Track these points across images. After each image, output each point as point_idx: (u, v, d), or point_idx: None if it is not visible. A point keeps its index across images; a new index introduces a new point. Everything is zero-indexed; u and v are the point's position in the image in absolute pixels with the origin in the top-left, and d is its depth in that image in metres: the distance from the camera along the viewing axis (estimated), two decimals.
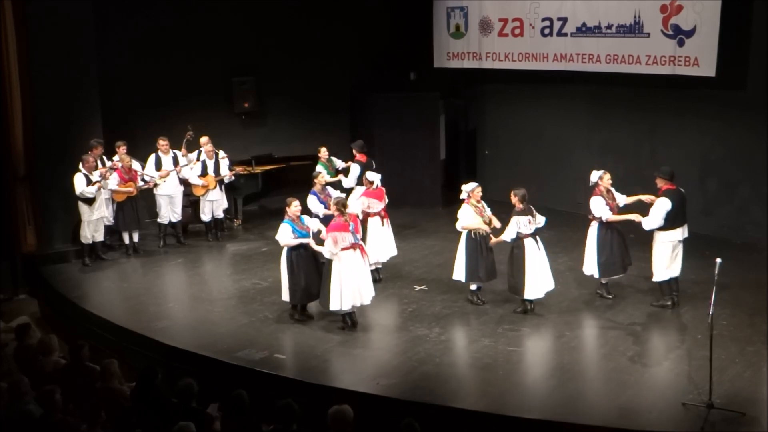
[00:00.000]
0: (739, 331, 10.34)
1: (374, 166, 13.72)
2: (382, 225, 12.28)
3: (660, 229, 10.74)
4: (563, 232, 13.74)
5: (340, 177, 13.97)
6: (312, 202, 12.06)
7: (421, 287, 12.17)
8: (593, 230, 11.26)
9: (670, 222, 10.67)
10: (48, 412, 7.13)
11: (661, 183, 10.83)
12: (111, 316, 11.43)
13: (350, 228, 10.28)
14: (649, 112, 15.18)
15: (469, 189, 11.10)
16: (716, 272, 8.67)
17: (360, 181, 13.29)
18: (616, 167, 14.97)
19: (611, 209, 11.08)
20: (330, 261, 10.33)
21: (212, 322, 11.19)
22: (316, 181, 12.33)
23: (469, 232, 11.04)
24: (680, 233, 10.85)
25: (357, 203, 12.11)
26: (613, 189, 11.25)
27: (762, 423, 8.28)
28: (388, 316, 11.23)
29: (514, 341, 10.32)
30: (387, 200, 12.40)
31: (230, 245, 14.75)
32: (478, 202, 11.09)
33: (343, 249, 10.23)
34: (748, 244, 13.48)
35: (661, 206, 10.64)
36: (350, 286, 10.32)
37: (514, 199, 10.69)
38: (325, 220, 11.57)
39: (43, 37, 13.35)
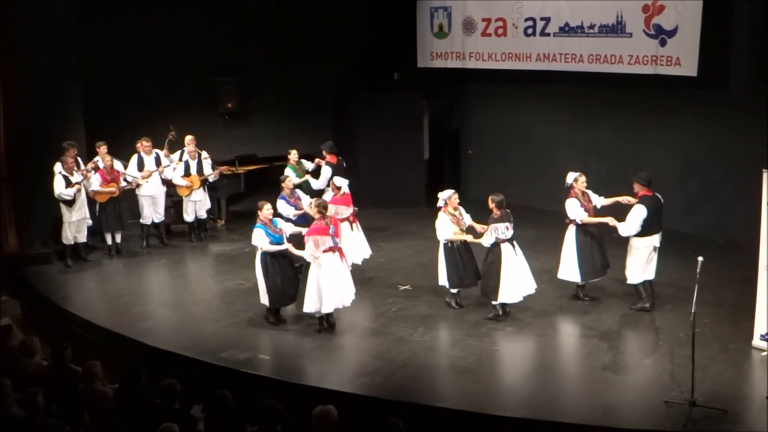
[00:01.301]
0: (721, 330, 10.43)
1: (345, 167, 13.71)
2: (352, 230, 12.24)
3: (636, 235, 10.77)
4: (547, 232, 13.78)
5: (309, 178, 13.94)
6: (281, 205, 12.01)
7: (405, 287, 12.20)
8: (570, 234, 11.25)
9: (646, 228, 10.70)
10: (31, 415, 7.10)
11: (638, 188, 10.85)
12: (94, 317, 11.39)
13: (330, 231, 10.27)
14: (632, 112, 15.26)
15: (446, 197, 10.97)
16: (698, 271, 8.73)
17: (328, 183, 13.26)
18: (600, 167, 15.13)
19: (587, 211, 11.10)
20: (310, 266, 10.31)
21: (196, 323, 11.17)
22: (283, 185, 12.32)
23: (447, 241, 11.00)
24: (656, 239, 10.85)
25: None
26: (589, 191, 11.25)
27: (744, 420, 8.36)
28: (372, 316, 11.25)
29: (498, 341, 10.37)
30: (354, 207, 12.34)
31: (214, 246, 14.72)
32: (455, 209, 10.98)
33: (323, 252, 10.23)
34: (729, 243, 13.58)
35: (638, 213, 10.67)
36: (331, 289, 10.31)
37: (492, 206, 10.61)
38: (298, 221, 11.61)
39: (25, 36, 13.28)
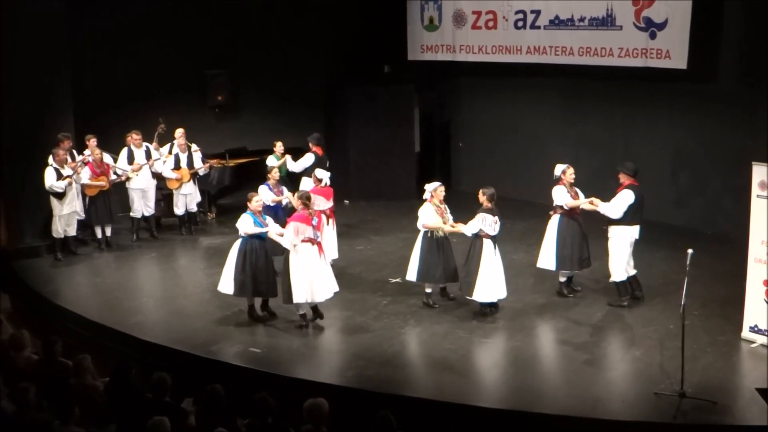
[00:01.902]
0: (710, 322, 10.47)
1: (328, 164, 13.70)
2: (327, 224, 12.16)
3: (617, 223, 10.76)
4: (537, 225, 13.72)
5: (288, 159, 13.95)
6: (263, 191, 12.01)
7: (396, 280, 12.20)
8: (554, 222, 11.24)
9: (629, 217, 10.69)
10: (21, 409, 7.08)
11: (624, 178, 10.83)
12: (84, 311, 11.36)
13: (312, 222, 10.26)
14: (622, 105, 15.29)
15: (432, 188, 10.95)
16: (688, 263, 8.76)
17: (307, 173, 13.27)
18: (591, 160, 15.17)
19: (571, 198, 11.09)
20: (288, 254, 10.29)
21: (186, 317, 11.16)
22: (269, 174, 12.51)
23: (427, 231, 10.96)
24: (636, 231, 10.82)
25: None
26: (577, 189, 11.23)
27: (733, 411, 8.40)
28: (363, 309, 11.25)
29: (488, 333, 10.38)
30: (332, 202, 12.30)
31: (204, 239, 14.72)
32: (441, 202, 10.93)
33: (302, 241, 10.21)
34: (719, 235, 13.62)
35: (625, 197, 10.64)
36: (302, 281, 10.26)
37: (482, 198, 10.54)
38: (276, 212, 11.60)
39: (14, 29, 13.21)
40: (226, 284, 10.77)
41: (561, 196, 11.09)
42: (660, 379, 8.99)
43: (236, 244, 10.75)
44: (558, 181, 11.19)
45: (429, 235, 10.92)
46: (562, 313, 10.99)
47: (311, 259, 10.27)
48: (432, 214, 10.84)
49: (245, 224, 10.62)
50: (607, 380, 9.21)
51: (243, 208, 10.90)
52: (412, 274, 11.10)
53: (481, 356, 9.91)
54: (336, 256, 12.47)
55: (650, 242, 11.94)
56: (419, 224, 10.93)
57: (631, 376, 9.25)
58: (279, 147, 14.25)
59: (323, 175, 12.21)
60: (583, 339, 10.18)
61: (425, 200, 11.01)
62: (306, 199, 10.41)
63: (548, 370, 9.60)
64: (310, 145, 13.92)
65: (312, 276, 10.29)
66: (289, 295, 10.35)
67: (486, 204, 10.53)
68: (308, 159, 13.73)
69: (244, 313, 11.03)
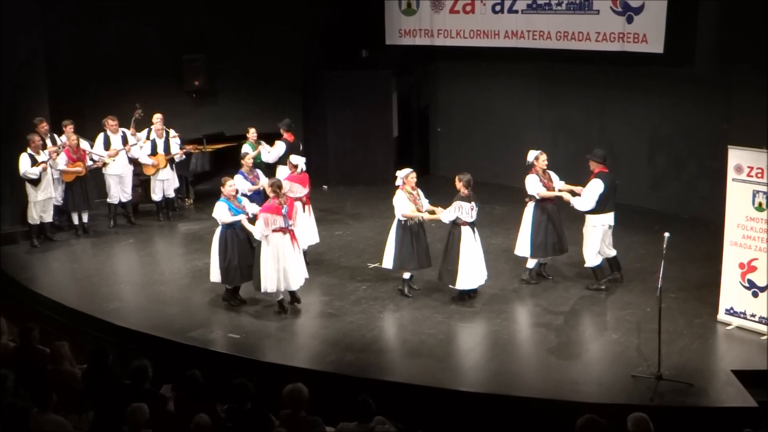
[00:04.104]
0: (687, 304, 10.55)
1: (301, 148, 13.65)
2: (303, 211, 12.04)
3: (591, 212, 10.81)
4: (516, 209, 13.74)
5: (262, 149, 13.89)
6: (239, 180, 11.93)
7: (374, 265, 12.19)
8: (529, 211, 11.24)
9: (601, 205, 10.71)
10: None
11: (594, 166, 10.86)
12: (61, 297, 11.29)
13: (283, 211, 10.20)
14: (599, 89, 15.31)
15: (404, 175, 10.86)
16: (664, 246, 8.82)
17: (282, 161, 13.20)
18: (568, 144, 15.22)
19: (547, 188, 11.12)
20: (260, 244, 10.26)
21: (165, 303, 11.12)
22: (243, 161, 12.44)
23: (399, 221, 10.85)
24: (610, 218, 10.85)
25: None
26: (552, 173, 11.26)
27: (709, 393, 8.49)
28: (341, 294, 11.25)
29: (466, 318, 10.41)
30: (309, 188, 12.18)
31: (182, 225, 14.66)
32: (413, 189, 10.85)
33: (273, 231, 10.17)
34: (695, 219, 13.70)
35: (594, 187, 10.67)
36: (274, 269, 10.21)
37: (459, 185, 10.51)
38: (253, 199, 11.54)
39: None
40: (215, 273, 10.77)
41: (533, 185, 11.09)
42: (637, 361, 9.06)
43: (216, 233, 10.72)
44: (531, 168, 11.19)
45: (403, 223, 10.88)
46: (539, 297, 11.03)
47: (283, 248, 10.24)
48: (406, 202, 10.79)
49: (221, 212, 10.57)
50: (585, 363, 9.27)
51: (218, 193, 10.84)
52: (388, 262, 11.08)
53: (459, 341, 9.93)
54: (317, 240, 12.42)
55: (627, 226, 12.01)
56: (397, 213, 10.86)
57: (608, 359, 9.31)
58: (252, 133, 14.17)
59: (298, 160, 12.10)
60: (561, 323, 10.23)
61: (397, 187, 10.95)
62: (277, 187, 10.34)
63: (526, 353, 9.64)
64: (281, 131, 13.85)
65: (285, 265, 10.26)
66: (258, 284, 10.33)
67: (463, 191, 10.50)
68: (280, 147, 13.63)
69: (222, 299, 10.97)
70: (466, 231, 10.52)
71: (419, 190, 10.98)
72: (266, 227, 10.11)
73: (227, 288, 10.86)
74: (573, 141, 15.31)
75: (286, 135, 13.79)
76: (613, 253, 11.12)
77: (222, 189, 10.68)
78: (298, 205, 11.58)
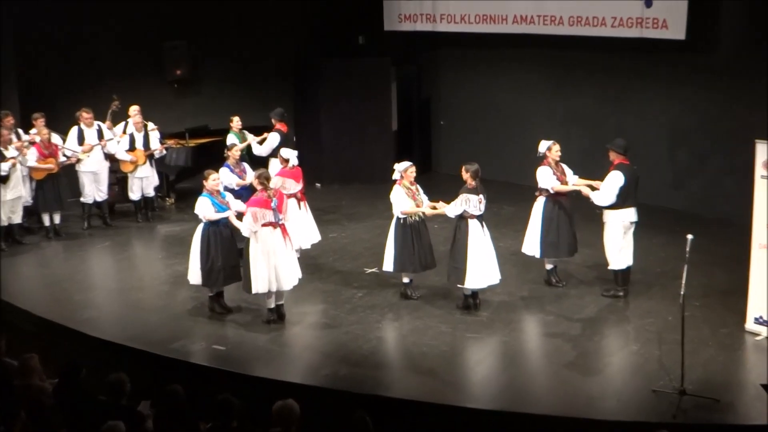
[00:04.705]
0: (712, 312, 10.50)
1: (294, 139, 13.60)
2: (299, 208, 11.97)
3: (610, 207, 10.75)
4: (526, 208, 13.76)
5: (252, 142, 13.85)
6: (224, 174, 11.90)
7: (372, 270, 12.15)
8: (539, 206, 11.20)
9: (622, 199, 10.65)
10: None
11: (613, 156, 10.80)
12: (30, 305, 11.25)
13: (272, 205, 10.15)
14: (615, 78, 15.29)
15: (402, 169, 10.83)
16: (687, 249, 8.75)
17: (275, 154, 13.13)
18: (582, 138, 15.18)
19: (560, 182, 11.07)
20: (248, 241, 10.21)
21: (143, 311, 11.08)
22: (229, 153, 12.37)
23: (400, 217, 10.82)
24: (632, 213, 10.78)
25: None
26: (564, 166, 11.22)
27: (737, 409, 8.42)
28: (336, 302, 11.20)
29: (472, 328, 10.35)
30: (303, 183, 12.13)
31: (162, 226, 14.64)
32: (411, 183, 10.83)
33: (263, 226, 10.12)
34: (720, 219, 13.68)
35: (614, 180, 10.61)
36: (265, 267, 10.15)
37: (466, 175, 10.46)
38: (241, 194, 11.48)
39: None
40: (194, 274, 10.70)
41: (546, 178, 11.05)
42: (658, 375, 9.00)
43: (198, 230, 10.67)
44: (543, 159, 11.15)
45: (402, 221, 10.84)
46: (551, 304, 10.98)
47: (275, 244, 10.19)
48: (404, 198, 10.76)
49: (204, 208, 10.53)
50: (602, 377, 9.21)
51: (202, 192, 10.78)
52: (388, 265, 11.04)
53: (465, 352, 9.88)
54: (318, 237, 12.40)
55: (647, 227, 11.94)
56: (396, 211, 10.83)
57: (627, 373, 9.26)
58: (236, 122, 14.16)
59: (290, 154, 12.03)
60: (575, 332, 10.18)
61: (394, 182, 10.91)
62: (264, 178, 10.30)
63: (538, 366, 9.59)
64: (273, 121, 13.83)
65: (276, 262, 10.21)
66: (248, 285, 10.27)
67: (470, 182, 10.46)
68: (274, 139, 13.61)
69: (206, 308, 10.93)
70: (473, 225, 10.49)
71: (418, 186, 10.95)
72: (255, 222, 10.07)
73: (210, 295, 10.80)
74: (587, 135, 15.28)
75: (278, 125, 13.76)
76: (628, 262, 11.02)
77: (204, 183, 10.63)
78: (292, 202, 11.58)
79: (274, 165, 12.87)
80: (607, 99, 15.47)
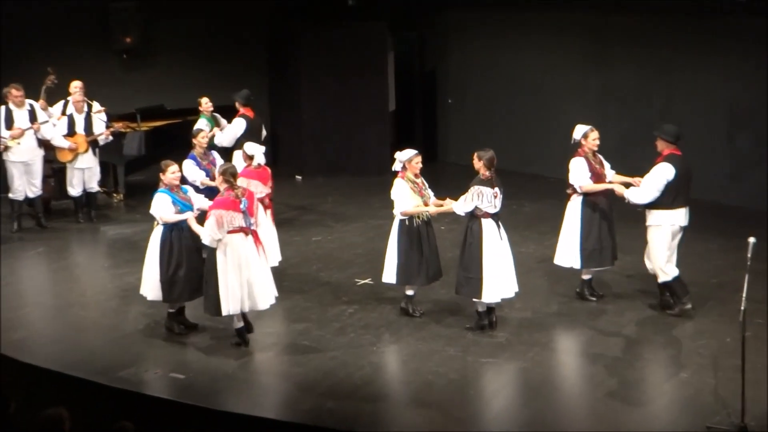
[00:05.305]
0: None
1: (264, 133, 13.57)
2: (265, 215, 11.91)
3: (656, 207, 10.76)
4: (552, 207, 13.83)
5: (217, 130, 13.92)
6: (189, 167, 11.94)
7: (365, 281, 12.18)
8: (575, 207, 11.21)
9: (671, 198, 10.68)
10: None
11: (662, 146, 10.82)
12: None
13: (242, 207, 10.14)
14: (662, 48, 15.34)
15: (406, 158, 10.81)
16: (749, 255, 8.78)
17: (240, 144, 13.06)
18: (620, 120, 15.23)
19: (595, 176, 11.07)
20: (213, 252, 10.18)
21: (86, 332, 11.10)
22: (195, 141, 12.32)
23: (402, 221, 10.84)
24: (682, 216, 10.81)
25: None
26: (602, 158, 11.23)
27: None
28: (321, 320, 11.22)
29: (486, 352, 10.37)
30: (271, 186, 12.04)
31: (109, 228, 14.68)
32: (416, 176, 10.84)
33: (229, 232, 10.11)
34: None
35: (661, 173, 10.62)
36: (236, 283, 10.13)
37: (479, 164, 10.44)
38: (206, 193, 11.44)
39: None
40: (150, 288, 10.70)
41: (579, 172, 11.07)
42: (714, 408, 9.01)
43: (155, 234, 10.64)
44: (577, 148, 11.18)
45: (407, 223, 10.85)
46: (584, 322, 11.02)
47: (246, 254, 10.17)
48: (409, 194, 10.76)
49: (162, 208, 10.49)
50: (646, 411, 9.23)
51: (157, 186, 10.77)
52: (389, 276, 11.05)
53: (479, 382, 9.90)
54: (278, 258, 12.15)
55: (700, 229, 11.98)
56: (397, 212, 10.83)
57: (676, 406, 9.28)
58: (206, 104, 14.14)
59: (255, 150, 11.93)
60: (613, 357, 10.20)
61: (396, 174, 10.90)
62: (230, 175, 10.23)
63: (567, 398, 9.61)
64: (238, 105, 13.81)
65: (250, 276, 10.19)
66: (217, 306, 10.24)
67: (483, 172, 10.44)
68: (238, 126, 13.58)
69: (162, 328, 10.95)
70: (488, 225, 10.47)
71: (423, 180, 10.97)
72: (219, 228, 10.03)
73: (170, 311, 10.81)
74: (627, 117, 15.34)
75: (243, 110, 13.75)
76: (674, 273, 11.02)
77: (162, 176, 10.60)
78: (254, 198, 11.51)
79: (238, 159, 12.78)
80: (651, 73, 15.52)
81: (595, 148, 11.19)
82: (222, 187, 10.25)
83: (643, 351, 10.39)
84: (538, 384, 9.76)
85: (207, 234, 10.09)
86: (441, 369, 10.00)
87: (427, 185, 10.99)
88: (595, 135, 11.17)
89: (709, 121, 14.82)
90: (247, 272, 10.19)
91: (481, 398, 9.65)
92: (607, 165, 11.28)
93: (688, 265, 11.24)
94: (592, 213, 11.16)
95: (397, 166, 10.93)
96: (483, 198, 10.39)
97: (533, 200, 14.56)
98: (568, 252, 11.32)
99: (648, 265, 11.07)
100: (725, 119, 14.85)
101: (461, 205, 10.50)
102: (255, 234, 10.35)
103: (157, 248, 10.59)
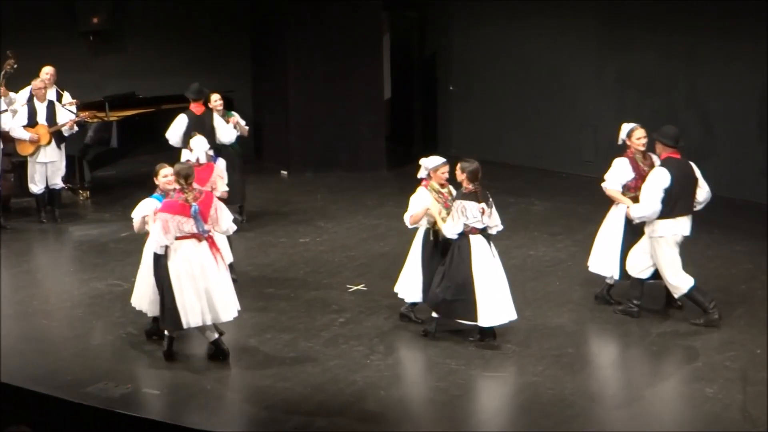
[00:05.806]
0: None
1: (221, 129, 13.53)
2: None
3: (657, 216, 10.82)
4: (565, 204, 13.90)
5: (233, 122, 13.86)
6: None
7: (358, 287, 12.21)
8: (620, 212, 11.22)
9: (670, 206, 10.73)
10: None
11: (660, 149, 10.91)
12: None
13: (193, 212, 10.14)
14: (684, 32, 15.34)
15: (431, 166, 10.78)
16: None
17: (186, 143, 13.05)
18: (640, 108, 15.24)
19: (639, 178, 11.07)
20: (160, 260, 10.21)
21: (50, 343, 11.12)
22: (156, 181, 12.24)
23: (428, 230, 10.84)
24: (684, 225, 10.87)
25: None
26: (654, 157, 11.22)
27: None
28: (310, 330, 11.24)
29: (492, 364, 10.41)
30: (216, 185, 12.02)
31: (75, 229, 14.68)
32: (442, 186, 10.81)
33: (179, 238, 10.12)
34: None
35: (655, 180, 10.69)
36: (193, 293, 10.14)
37: (461, 176, 10.44)
38: None
39: None
40: (144, 300, 10.73)
41: (614, 172, 11.16)
42: (742, 426, 9.07)
43: (148, 247, 10.62)
44: (625, 149, 11.25)
45: (432, 234, 10.79)
46: (600, 333, 11.06)
47: (200, 263, 10.16)
48: (428, 203, 10.66)
49: (141, 214, 10.49)
50: (668, 429, 9.28)
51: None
52: (413, 294, 11.03)
53: (482, 397, 9.95)
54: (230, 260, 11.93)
55: (727, 229, 12.05)
56: (406, 217, 10.77)
57: (700, 423, 9.32)
58: (216, 101, 13.89)
59: (198, 144, 11.92)
60: (632, 371, 10.26)
61: (420, 181, 10.86)
62: (183, 177, 10.22)
63: (580, 415, 9.64)
64: (190, 100, 13.75)
65: (207, 286, 10.19)
66: (176, 319, 10.28)
67: (466, 185, 10.46)
68: (179, 123, 13.45)
69: (134, 338, 10.97)
70: (477, 242, 10.46)
71: (451, 188, 10.84)
72: (165, 234, 10.03)
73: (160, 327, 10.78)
74: (648, 104, 15.35)
75: (191, 105, 13.63)
76: (688, 284, 10.99)
77: (156, 180, 10.63)
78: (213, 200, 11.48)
79: (185, 158, 12.78)
80: (673, 56, 15.53)
81: (642, 148, 11.18)
82: (171, 188, 10.29)
83: (665, 364, 10.45)
84: (548, 400, 9.80)
85: (153, 240, 10.13)
86: (441, 384, 10.03)
87: (454, 192, 10.85)
88: (640, 133, 11.19)
89: (738, 112, 14.84)
90: (204, 282, 10.16)
91: (485, 415, 9.70)
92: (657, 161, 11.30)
93: (712, 270, 11.30)
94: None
95: (422, 173, 10.84)
96: (468, 213, 10.34)
97: (544, 198, 14.56)
98: (605, 260, 11.37)
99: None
100: (755, 109, 14.85)
101: (450, 227, 10.44)
102: (211, 241, 10.32)
103: (150, 256, 10.57)
